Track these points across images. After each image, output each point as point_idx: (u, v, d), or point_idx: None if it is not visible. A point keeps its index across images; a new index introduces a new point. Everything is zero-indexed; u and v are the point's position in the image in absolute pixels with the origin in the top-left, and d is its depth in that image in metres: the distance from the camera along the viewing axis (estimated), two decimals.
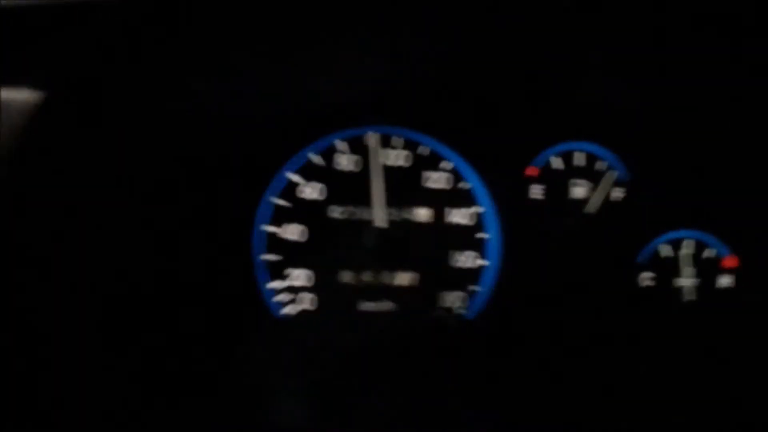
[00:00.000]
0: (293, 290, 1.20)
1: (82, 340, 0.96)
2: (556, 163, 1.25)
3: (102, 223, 1.00)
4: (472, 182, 1.23)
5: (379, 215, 1.19)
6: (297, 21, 0.96)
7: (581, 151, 1.26)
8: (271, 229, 1.19)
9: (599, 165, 1.26)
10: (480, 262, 1.24)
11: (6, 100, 0.85)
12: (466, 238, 1.23)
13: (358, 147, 1.21)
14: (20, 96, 0.86)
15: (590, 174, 1.26)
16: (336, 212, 1.20)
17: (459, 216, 1.23)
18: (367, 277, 1.21)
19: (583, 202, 1.26)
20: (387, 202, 1.20)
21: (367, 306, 1.21)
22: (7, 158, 0.84)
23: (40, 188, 0.88)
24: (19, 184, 0.86)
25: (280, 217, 1.19)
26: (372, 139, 1.20)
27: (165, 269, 1.10)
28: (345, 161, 1.21)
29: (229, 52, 1.00)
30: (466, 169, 1.23)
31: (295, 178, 1.20)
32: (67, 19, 0.85)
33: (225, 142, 1.13)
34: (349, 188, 1.20)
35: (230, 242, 1.16)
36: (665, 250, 1.25)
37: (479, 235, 1.24)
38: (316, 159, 1.20)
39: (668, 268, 1.25)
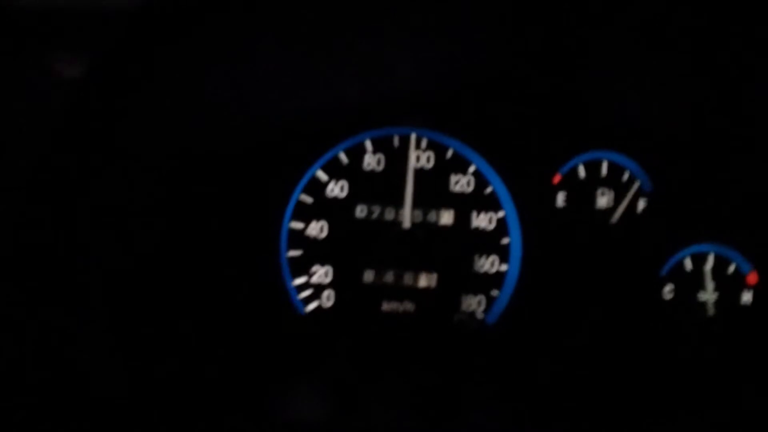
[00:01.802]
0: (315, 288, 1.21)
1: (107, 338, 0.96)
2: (580, 171, 1.25)
3: (129, 222, 1.00)
4: (496, 186, 1.23)
5: (407, 216, 1.20)
6: (330, 19, 0.97)
7: (606, 160, 1.26)
8: (295, 225, 1.20)
9: (624, 175, 1.26)
10: (502, 267, 1.24)
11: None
12: (488, 242, 1.24)
13: (385, 147, 1.22)
14: (38, 89, 0.86)
15: (614, 184, 1.26)
16: (361, 211, 1.21)
17: (482, 220, 1.24)
18: (388, 277, 1.22)
19: (606, 211, 1.26)
20: (412, 203, 1.20)
21: (388, 306, 1.21)
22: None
23: (68, 184, 0.88)
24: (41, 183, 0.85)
25: (305, 213, 1.20)
26: (410, 140, 1.21)
27: (192, 265, 1.10)
28: (372, 161, 1.21)
29: (262, 50, 1.01)
30: (491, 173, 1.23)
31: (325, 176, 1.20)
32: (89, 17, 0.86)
33: (256, 140, 1.14)
34: (375, 188, 1.21)
35: (259, 239, 1.17)
36: (688, 264, 1.25)
37: (502, 240, 1.24)
38: (346, 158, 1.21)
39: (691, 282, 1.24)
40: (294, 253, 1.20)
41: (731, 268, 1.25)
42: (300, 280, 1.21)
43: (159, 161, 1.04)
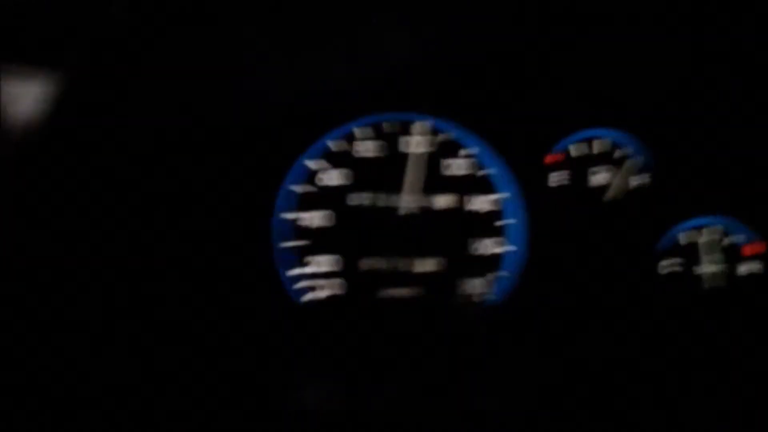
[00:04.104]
0: (317, 277, 1.19)
1: (102, 330, 0.94)
2: (578, 149, 1.24)
3: (121, 212, 0.98)
4: (494, 168, 1.22)
5: (408, 202, 1.18)
6: (318, 5, 0.94)
7: (602, 137, 1.25)
8: (294, 216, 1.18)
9: (620, 151, 1.25)
10: (502, 248, 1.23)
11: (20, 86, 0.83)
12: (486, 224, 1.22)
13: (378, 133, 1.20)
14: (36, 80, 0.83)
15: (612, 160, 1.25)
16: (359, 199, 1.19)
17: (479, 202, 1.22)
18: (387, 264, 1.20)
19: (604, 188, 1.25)
20: (412, 188, 1.18)
21: (389, 293, 1.20)
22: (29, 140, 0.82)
23: (54, 177, 0.86)
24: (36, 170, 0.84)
25: (304, 204, 1.18)
26: (413, 125, 1.19)
27: (184, 258, 1.08)
28: (365, 148, 1.19)
29: (251, 39, 0.98)
30: (488, 156, 1.21)
31: (316, 164, 1.18)
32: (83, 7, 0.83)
33: (245, 130, 1.12)
34: (370, 175, 1.19)
35: (250, 230, 1.15)
36: (687, 237, 1.25)
37: (501, 221, 1.23)
38: (337, 145, 1.18)
39: (690, 255, 1.25)
40: (290, 243, 1.18)
41: (727, 241, 1.26)
42: (297, 271, 1.19)
43: (153, 152, 1.02)
